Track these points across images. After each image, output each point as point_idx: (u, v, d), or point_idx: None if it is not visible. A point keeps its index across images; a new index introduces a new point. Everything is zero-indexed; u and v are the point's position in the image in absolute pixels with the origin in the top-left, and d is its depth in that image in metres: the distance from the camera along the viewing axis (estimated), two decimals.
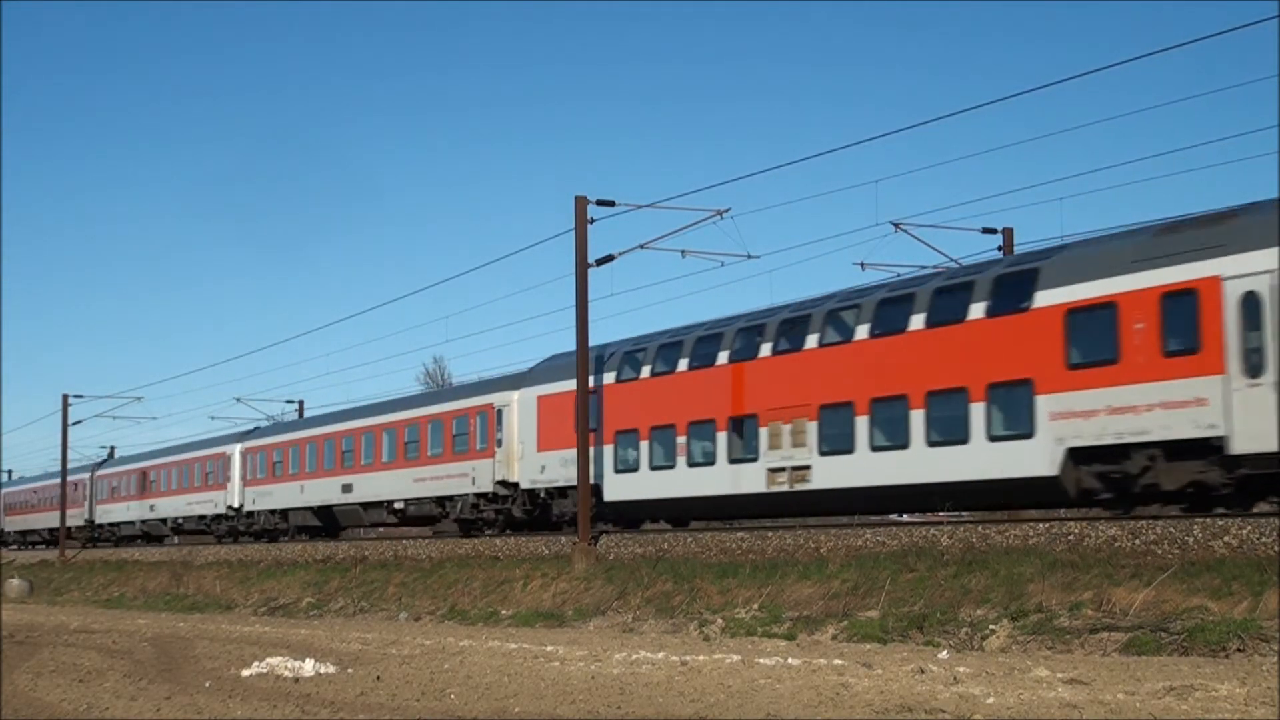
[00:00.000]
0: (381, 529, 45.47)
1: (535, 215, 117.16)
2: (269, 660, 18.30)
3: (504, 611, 27.09)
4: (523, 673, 16.69)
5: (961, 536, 21.69)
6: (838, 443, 25.39)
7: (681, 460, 28.72)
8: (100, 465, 65.94)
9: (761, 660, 16.66)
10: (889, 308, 25.12)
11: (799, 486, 26.10)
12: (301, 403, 59.56)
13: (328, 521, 45.25)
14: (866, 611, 20.03)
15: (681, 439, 28.84)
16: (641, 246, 30.32)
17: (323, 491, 43.75)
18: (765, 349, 27.30)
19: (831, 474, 25.47)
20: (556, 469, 32.14)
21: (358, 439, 41.98)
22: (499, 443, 34.22)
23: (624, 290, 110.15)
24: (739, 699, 13.59)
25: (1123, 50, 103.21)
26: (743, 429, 27.46)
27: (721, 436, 27.90)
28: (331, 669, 17.71)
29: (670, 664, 16.84)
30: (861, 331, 25.35)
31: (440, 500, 37.21)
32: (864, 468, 24.89)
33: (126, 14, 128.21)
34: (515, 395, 34.28)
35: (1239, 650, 15.32)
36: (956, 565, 20.35)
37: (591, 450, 29.77)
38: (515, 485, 34.04)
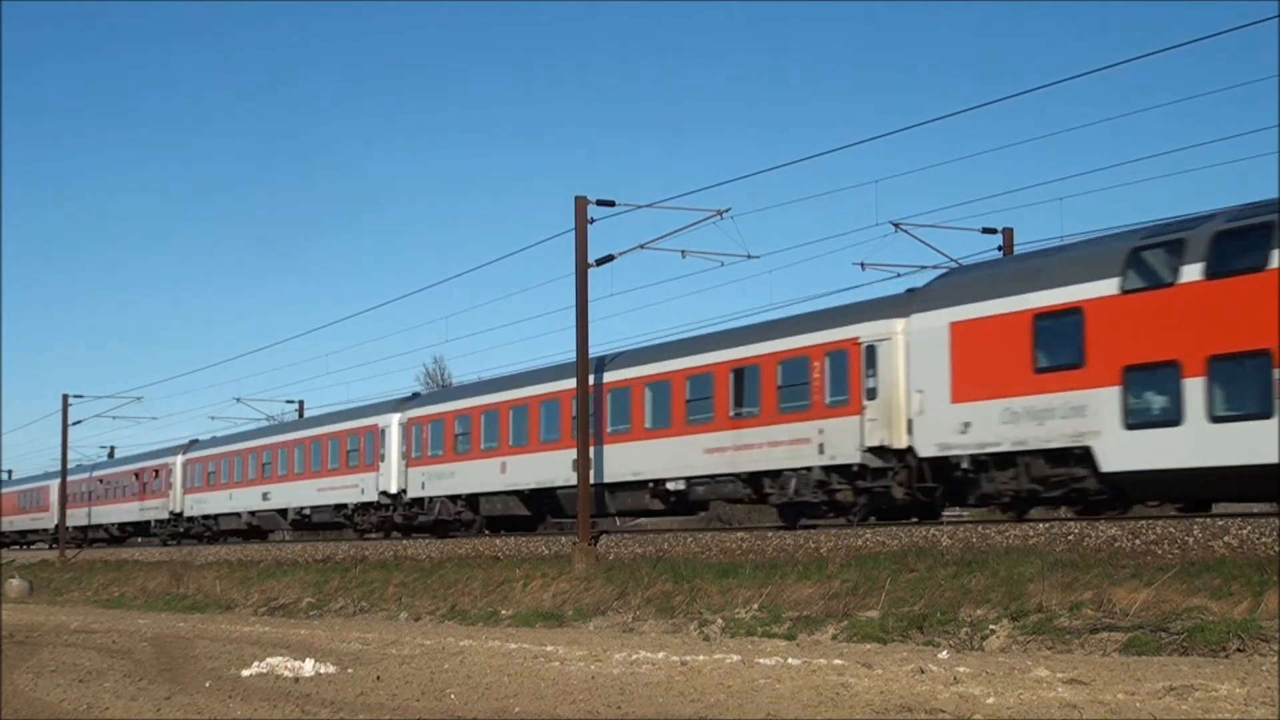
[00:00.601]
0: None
1: (535, 215, 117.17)
2: (269, 660, 18.31)
3: (504, 611, 27.09)
4: (523, 673, 16.70)
5: (961, 536, 21.69)
6: None
7: None
8: (190, 447, 55.37)
9: (761, 660, 16.67)
10: None
11: None
12: (301, 403, 59.51)
13: (542, 508, 35.00)
14: (866, 611, 20.04)
15: None
16: (641, 246, 30.32)
17: (540, 470, 33.20)
18: None
19: None
20: (993, 426, 22.42)
21: (601, 399, 31.71)
22: (869, 393, 24.48)
23: (624, 290, 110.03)
24: (739, 699, 13.60)
25: (1123, 50, 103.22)
26: None
27: None
28: (331, 669, 17.72)
29: (670, 664, 16.85)
30: None
31: (754, 478, 27.44)
32: None
33: (127, 14, 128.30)
34: (899, 325, 24.33)
35: (1239, 650, 15.33)
36: (956, 565, 20.35)
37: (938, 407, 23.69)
38: (901, 453, 24.23)
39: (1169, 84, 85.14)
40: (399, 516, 39.46)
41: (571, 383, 31.28)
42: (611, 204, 29.52)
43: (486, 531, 36.32)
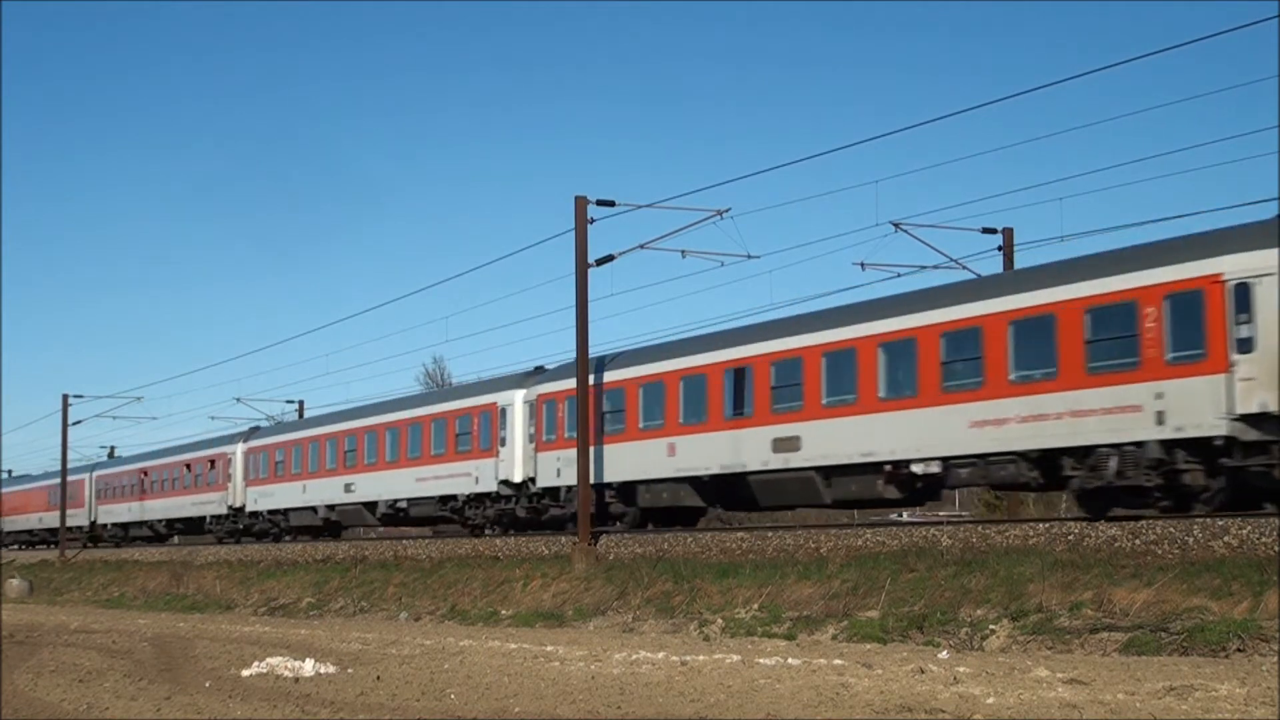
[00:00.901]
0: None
1: (535, 215, 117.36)
2: (269, 660, 18.31)
3: (504, 611, 27.09)
4: (523, 673, 16.70)
5: (961, 537, 21.70)
6: None
7: None
8: (252, 434, 49.86)
9: (761, 660, 16.67)
10: None
11: None
12: (301, 403, 59.43)
13: (722, 498, 29.65)
14: (866, 611, 20.04)
15: None
16: (641, 246, 30.32)
17: (725, 451, 27.85)
18: None
19: None
20: None
21: (809, 363, 26.20)
22: (1241, 345, 19.44)
23: (624, 290, 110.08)
24: (739, 699, 13.60)
25: (1123, 50, 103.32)
26: None
27: None
28: (331, 669, 17.71)
29: (670, 664, 16.85)
30: None
31: (1047, 457, 22.38)
32: None
33: (127, 14, 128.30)
34: None
35: (1239, 650, 15.33)
36: (956, 565, 20.35)
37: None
38: None
39: (1169, 84, 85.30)
40: (523, 509, 34.33)
41: (770, 346, 27.20)
42: (611, 204, 29.51)
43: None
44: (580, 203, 29.30)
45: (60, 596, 47.62)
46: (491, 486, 34.87)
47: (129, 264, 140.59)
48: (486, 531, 35.68)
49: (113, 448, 69.42)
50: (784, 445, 26.51)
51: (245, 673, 17.62)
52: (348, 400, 66.38)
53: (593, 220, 29.36)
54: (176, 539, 56.58)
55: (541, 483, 33.30)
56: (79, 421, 61.22)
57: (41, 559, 60.29)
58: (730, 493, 28.81)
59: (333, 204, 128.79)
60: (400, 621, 28.90)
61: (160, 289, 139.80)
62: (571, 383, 31.65)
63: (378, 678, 16.61)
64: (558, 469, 32.30)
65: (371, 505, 40.67)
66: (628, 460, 30.43)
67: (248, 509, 48.33)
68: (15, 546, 69.22)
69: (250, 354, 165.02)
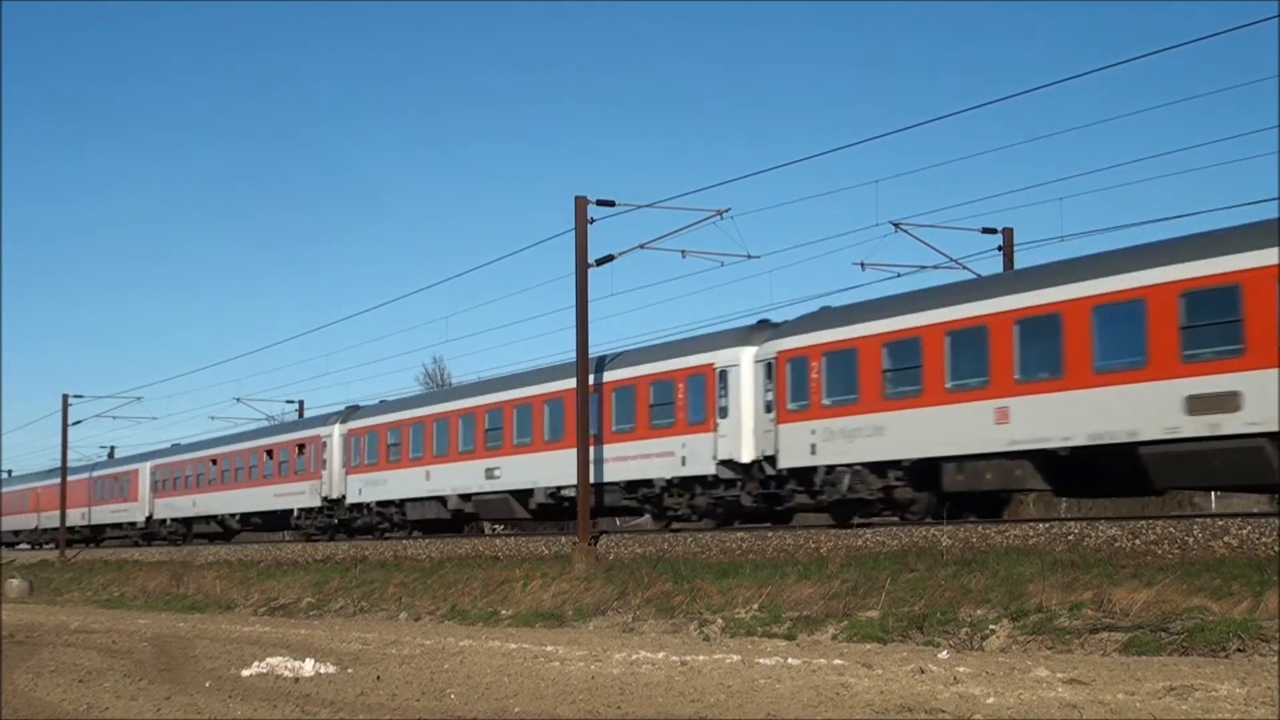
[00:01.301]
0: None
1: (535, 215, 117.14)
2: (269, 660, 18.32)
3: (504, 611, 27.11)
4: (523, 673, 16.71)
5: (961, 537, 21.69)
6: None
7: None
8: (351, 414, 42.85)
9: (761, 660, 16.68)
10: None
11: None
12: (301, 403, 59.38)
13: (1083, 478, 22.57)
14: (866, 611, 20.05)
15: None
16: (641, 246, 30.32)
17: (1102, 413, 20.98)
18: None
19: None
20: None
21: (1255, 290, 19.12)
22: None
23: (624, 290, 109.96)
24: (739, 699, 13.61)
25: (1123, 50, 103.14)
26: None
27: None
28: (331, 669, 17.72)
29: (670, 664, 16.86)
30: None
31: None
32: None
33: (127, 14, 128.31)
34: None
35: (1239, 650, 15.34)
36: (956, 565, 20.36)
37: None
38: None
39: (1169, 84, 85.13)
40: (749, 496, 27.84)
41: (1175, 272, 20.14)
42: (611, 204, 29.52)
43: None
44: (580, 203, 29.31)
45: (60, 596, 47.65)
46: (707, 468, 28.26)
47: (129, 264, 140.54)
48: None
49: (113, 448, 69.45)
50: (1207, 404, 19.67)
51: (245, 673, 17.63)
52: (348, 400, 65.94)
53: (593, 220, 29.37)
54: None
55: (786, 463, 26.37)
56: (79, 421, 61.19)
57: (41, 559, 60.29)
58: (1095, 471, 22.17)
59: (333, 204, 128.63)
60: (400, 621, 28.91)
61: (160, 289, 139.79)
62: (828, 335, 25.99)
63: (378, 678, 16.62)
64: (812, 444, 25.73)
65: (523, 494, 34.05)
66: (927, 431, 23.81)
67: (348, 500, 41.61)
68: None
69: (250, 354, 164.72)
